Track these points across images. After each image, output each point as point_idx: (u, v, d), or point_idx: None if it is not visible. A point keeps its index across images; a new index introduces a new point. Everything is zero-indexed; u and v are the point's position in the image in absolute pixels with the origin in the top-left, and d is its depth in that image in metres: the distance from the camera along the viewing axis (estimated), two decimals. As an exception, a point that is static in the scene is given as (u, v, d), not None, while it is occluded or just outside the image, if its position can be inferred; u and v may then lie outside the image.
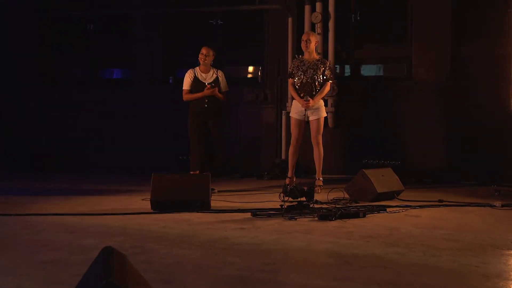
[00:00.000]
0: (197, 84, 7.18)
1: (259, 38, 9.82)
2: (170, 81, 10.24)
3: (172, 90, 10.06)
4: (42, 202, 6.36)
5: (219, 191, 7.12)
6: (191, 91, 7.20)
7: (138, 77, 10.24)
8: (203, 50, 7.21)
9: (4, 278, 3.37)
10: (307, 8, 9.14)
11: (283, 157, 9.25)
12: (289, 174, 7.36)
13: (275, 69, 9.48)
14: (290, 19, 9.30)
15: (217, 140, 7.31)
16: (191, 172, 7.12)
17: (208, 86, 7.12)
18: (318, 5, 9.03)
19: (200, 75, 7.23)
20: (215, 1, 9.72)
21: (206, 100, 7.14)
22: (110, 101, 10.09)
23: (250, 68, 10.08)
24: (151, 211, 5.73)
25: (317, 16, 9.00)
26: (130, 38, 10.28)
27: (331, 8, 9.03)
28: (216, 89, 7.16)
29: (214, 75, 7.28)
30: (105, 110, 10.03)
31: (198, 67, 7.31)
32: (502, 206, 6.08)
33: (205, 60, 7.21)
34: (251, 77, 9.98)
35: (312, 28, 8.92)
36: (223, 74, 7.40)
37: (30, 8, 10.29)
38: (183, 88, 7.27)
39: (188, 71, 7.30)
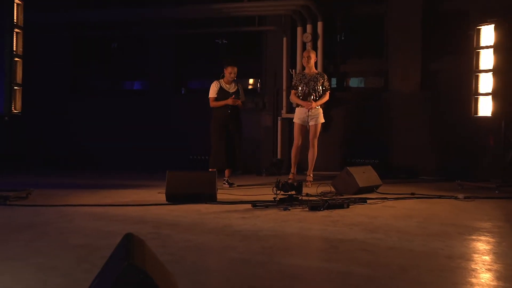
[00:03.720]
0: (222, 93, 7.23)
1: (258, 54, 9.84)
2: (182, 91, 10.29)
3: (184, 99, 10.14)
4: (74, 195, 6.38)
5: (224, 186, 7.14)
6: (216, 98, 7.23)
7: (154, 88, 10.27)
8: (233, 69, 7.25)
9: (41, 259, 3.38)
10: (299, 29, 9.18)
11: (279, 156, 9.28)
12: (292, 171, 7.34)
13: (272, 81, 9.52)
14: (284, 39, 9.33)
15: (238, 141, 7.31)
16: (210, 169, 7.04)
17: (233, 97, 7.18)
18: (309, 27, 9.08)
19: (225, 86, 7.29)
20: (220, 23, 9.74)
21: (230, 107, 7.17)
22: (131, 108, 10.12)
23: (251, 80, 10.09)
24: (166, 202, 5.74)
25: (308, 36, 9.04)
26: (148, 55, 10.31)
27: (319, 30, 9.08)
28: (238, 101, 7.23)
29: (236, 87, 7.34)
30: (127, 117, 10.04)
31: (222, 79, 7.34)
32: (465, 198, 6.10)
33: (234, 77, 7.30)
34: (251, 88, 9.99)
35: (303, 46, 8.97)
36: (241, 87, 7.48)
37: (64, 29, 10.31)
38: (210, 96, 7.28)
39: (214, 82, 7.32)
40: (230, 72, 7.25)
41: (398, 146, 8.84)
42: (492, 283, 2.94)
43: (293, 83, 7.48)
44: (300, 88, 7.25)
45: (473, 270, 3.20)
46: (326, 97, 7.32)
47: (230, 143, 7.24)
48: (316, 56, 7.84)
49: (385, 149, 8.81)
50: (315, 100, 7.18)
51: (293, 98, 7.39)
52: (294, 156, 7.35)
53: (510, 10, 7.79)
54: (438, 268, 3.24)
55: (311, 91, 7.20)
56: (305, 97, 7.20)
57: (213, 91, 7.27)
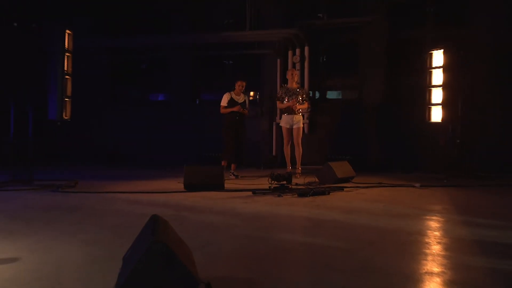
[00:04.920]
0: (232, 102, 7.27)
1: (257, 72, 9.85)
2: (197, 102, 10.30)
3: (198, 108, 10.16)
4: (112, 184, 6.40)
5: (230, 177, 7.14)
6: (226, 107, 7.26)
7: (175, 99, 10.29)
8: (242, 83, 7.33)
9: (86, 235, 3.40)
10: (290, 52, 9.21)
11: (274, 153, 9.29)
12: (289, 165, 7.33)
13: (269, 94, 9.52)
14: (278, 60, 9.35)
15: (242, 141, 7.36)
16: (223, 163, 7.13)
17: (240, 106, 7.21)
18: (297, 51, 9.10)
19: (235, 97, 7.31)
20: (227, 48, 9.76)
21: (237, 114, 7.22)
22: (156, 115, 10.15)
23: (251, 93, 10.10)
24: (184, 190, 5.76)
25: (297, 58, 9.06)
26: (170, 72, 10.33)
27: (306, 53, 9.10)
28: (244, 109, 7.28)
29: (243, 98, 7.36)
30: (152, 122, 10.08)
31: (232, 91, 7.34)
32: (421, 186, 6.13)
33: (242, 89, 7.34)
34: (252, 99, 10.01)
35: (293, 66, 8.99)
36: (248, 99, 7.49)
37: (104, 52, 10.37)
38: (221, 104, 7.30)
39: (226, 94, 7.34)
40: (239, 85, 7.31)
41: (369, 145, 8.85)
42: (441, 253, 2.96)
43: (278, 95, 7.47)
44: (285, 99, 7.27)
45: (427, 243, 3.22)
46: (306, 105, 7.36)
47: (237, 142, 7.29)
48: (303, 74, 7.86)
49: (359, 148, 8.82)
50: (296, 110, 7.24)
51: (281, 105, 7.41)
52: (287, 153, 7.37)
53: (455, 38, 7.87)
54: (400, 242, 3.26)
55: None
56: (289, 108, 7.21)
57: (224, 101, 7.31)
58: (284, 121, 7.33)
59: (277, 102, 7.44)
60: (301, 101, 7.26)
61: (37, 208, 4.58)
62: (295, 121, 7.22)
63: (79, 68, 7.37)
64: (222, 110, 7.31)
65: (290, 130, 7.27)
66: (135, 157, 9.93)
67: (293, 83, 7.35)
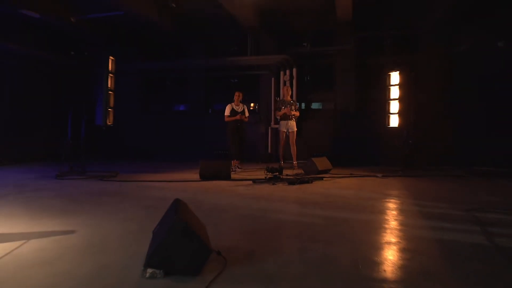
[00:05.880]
0: (233, 112, 7.14)
1: (256, 88, 9.85)
2: (210, 111, 10.29)
3: (211, 116, 10.16)
4: (143, 175, 6.40)
5: (237, 170, 7.14)
6: (229, 116, 7.14)
7: (192, 109, 10.28)
8: (239, 94, 7.21)
9: (124, 214, 3.42)
10: (282, 73, 9.20)
11: (269, 151, 9.29)
12: (281, 160, 7.35)
13: (265, 105, 9.53)
14: (272, 79, 9.35)
15: (243, 142, 7.29)
16: (233, 160, 7.08)
17: (240, 115, 7.11)
18: (288, 72, 9.10)
19: (235, 107, 7.17)
20: (233, 69, 9.75)
21: (238, 121, 7.12)
22: (178, 122, 10.14)
23: (252, 104, 10.11)
24: (200, 179, 5.77)
25: (287, 77, 9.06)
26: (188, 88, 10.33)
27: (294, 73, 9.10)
28: (243, 116, 7.17)
29: (242, 108, 7.23)
30: (174, 127, 10.07)
31: (233, 103, 7.23)
32: (382, 176, 6.14)
33: (240, 99, 7.22)
34: (252, 109, 10.01)
35: (284, 84, 9.00)
36: (246, 107, 7.35)
37: (137, 73, 10.35)
38: (225, 114, 7.15)
39: (228, 105, 7.21)
40: (237, 95, 7.21)
41: (343, 144, 8.85)
42: (397, 227, 2.99)
43: (277, 106, 7.50)
44: (282, 108, 7.30)
45: (386, 220, 3.25)
46: (298, 113, 7.37)
47: (239, 142, 7.24)
48: (292, 90, 7.85)
49: (335, 147, 8.83)
50: (291, 116, 7.25)
51: (278, 113, 7.42)
52: (280, 152, 7.40)
53: (408, 62, 7.91)
54: (366, 219, 3.28)
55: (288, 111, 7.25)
56: (285, 115, 7.23)
57: (227, 111, 7.20)
58: (282, 126, 7.34)
59: (276, 111, 7.47)
60: (294, 110, 7.30)
61: (88, 193, 4.60)
62: (290, 125, 7.24)
63: (119, 85, 7.39)
64: (226, 119, 7.20)
65: (286, 133, 7.28)
66: (161, 154, 9.94)
67: (287, 97, 7.39)
